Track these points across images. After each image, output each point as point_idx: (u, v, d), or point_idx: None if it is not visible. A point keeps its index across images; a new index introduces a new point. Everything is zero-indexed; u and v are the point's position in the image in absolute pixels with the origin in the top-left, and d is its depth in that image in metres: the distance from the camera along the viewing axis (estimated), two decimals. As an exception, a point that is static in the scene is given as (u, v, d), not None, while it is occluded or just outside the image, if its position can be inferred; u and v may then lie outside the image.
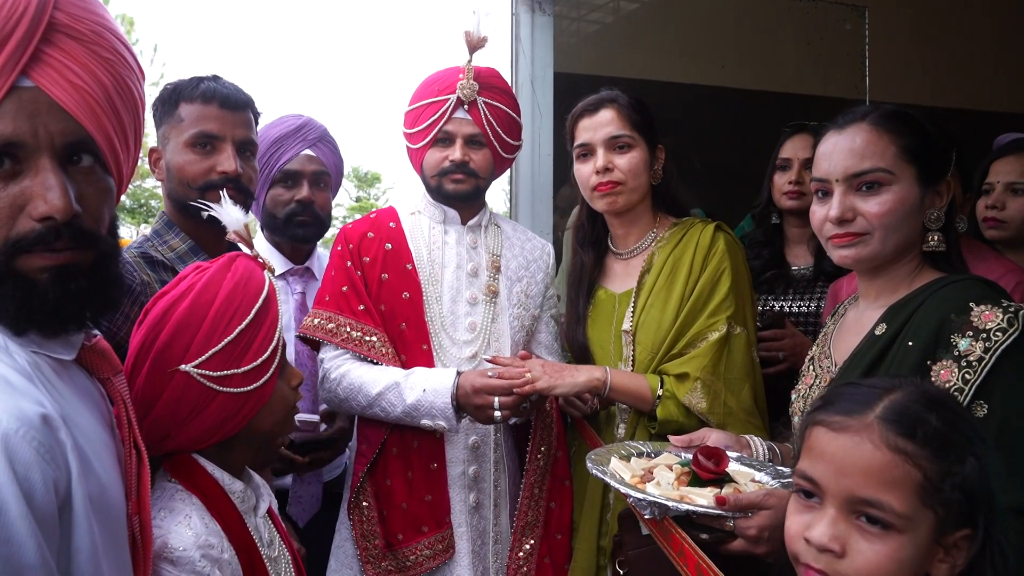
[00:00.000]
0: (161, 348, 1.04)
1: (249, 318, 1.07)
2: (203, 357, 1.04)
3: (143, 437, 0.92)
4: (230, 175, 1.49)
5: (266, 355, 1.08)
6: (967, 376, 1.03)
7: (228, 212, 1.15)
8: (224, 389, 1.06)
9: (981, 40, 3.82)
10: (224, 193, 1.20)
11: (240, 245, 1.16)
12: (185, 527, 1.02)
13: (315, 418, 1.71)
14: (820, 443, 0.84)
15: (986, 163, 2.06)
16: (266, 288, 1.11)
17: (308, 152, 1.90)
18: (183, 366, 1.02)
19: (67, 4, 0.77)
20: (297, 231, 1.88)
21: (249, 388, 1.07)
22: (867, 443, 0.80)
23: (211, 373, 1.04)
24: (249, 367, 1.07)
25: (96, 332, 0.87)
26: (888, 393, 0.83)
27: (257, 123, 1.63)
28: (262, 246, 1.93)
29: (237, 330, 1.06)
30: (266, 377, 1.08)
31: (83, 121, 0.77)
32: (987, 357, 1.03)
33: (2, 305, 0.75)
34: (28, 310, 0.75)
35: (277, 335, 1.11)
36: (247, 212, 1.58)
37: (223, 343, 1.05)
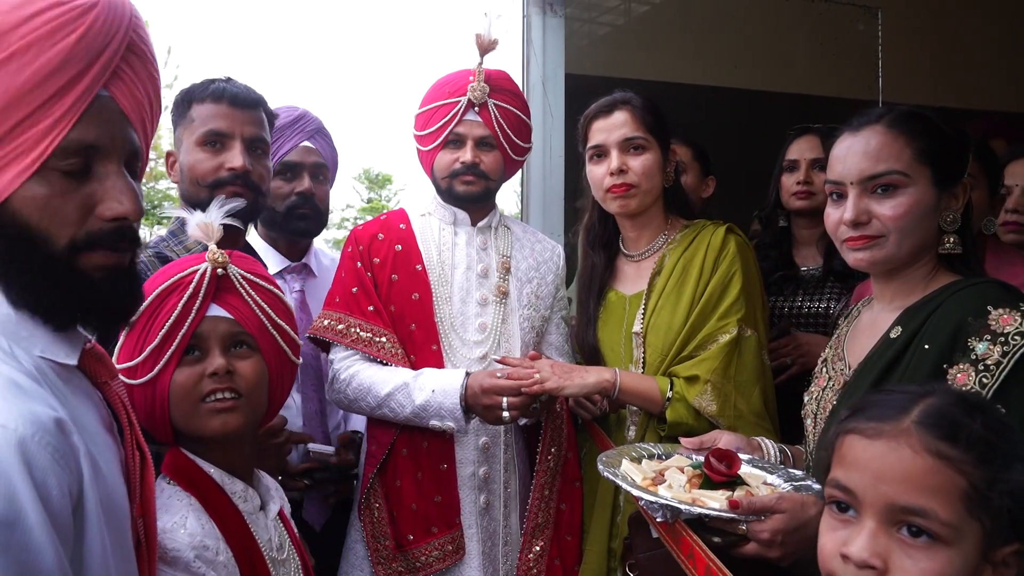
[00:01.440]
0: None
1: (143, 307, 1.06)
2: (116, 350, 1.08)
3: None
4: (238, 171, 1.49)
5: (155, 344, 1.07)
6: (984, 380, 1.02)
7: (196, 215, 1.16)
8: (131, 381, 1.07)
9: (994, 40, 3.79)
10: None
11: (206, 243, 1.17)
12: (180, 527, 1.02)
13: (330, 450, 1.69)
14: (854, 451, 0.79)
15: (1003, 163, 2.03)
16: (176, 278, 1.10)
17: (307, 144, 1.85)
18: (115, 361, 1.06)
19: (138, 25, 0.83)
20: (299, 224, 1.84)
21: (145, 379, 1.07)
22: (905, 448, 0.75)
23: (118, 366, 1.06)
24: (142, 357, 1.07)
25: (90, 338, 0.88)
26: (923, 398, 0.79)
27: (271, 125, 1.64)
28: (258, 244, 1.89)
29: (133, 318, 1.07)
30: (159, 366, 1.07)
31: (138, 131, 0.83)
32: (1005, 361, 1.01)
33: (64, 301, 0.77)
34: (88, 306, 0.79)
35: (171, 322, 1.07)
36: (259, 209, 1.60)
37: (124, 334, 1.09)
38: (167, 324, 1.07)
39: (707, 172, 2.34)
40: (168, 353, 1.07)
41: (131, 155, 0.82)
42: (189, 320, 1.08)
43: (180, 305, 1.08)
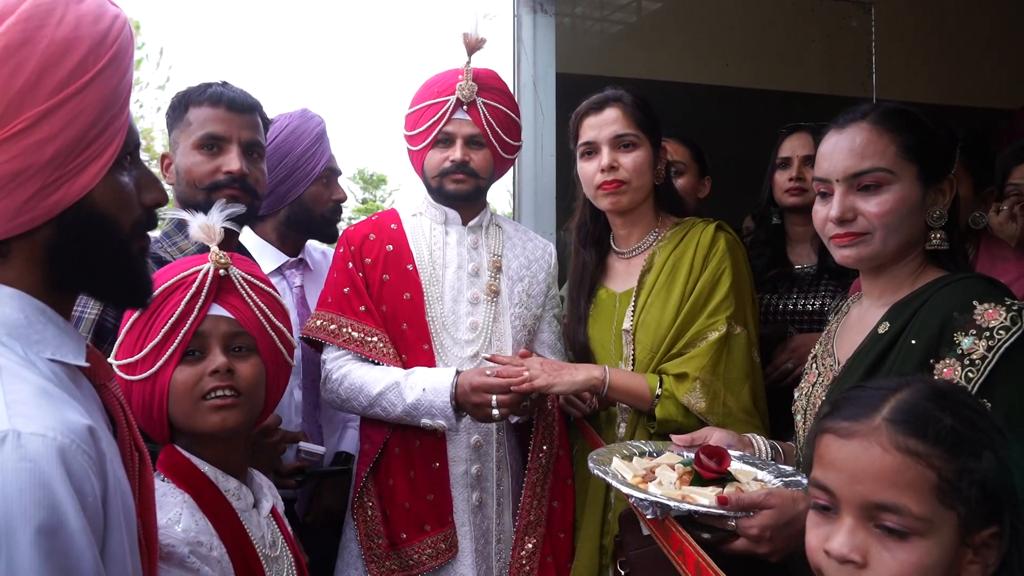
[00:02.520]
0: None
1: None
2: (115, 346, 1.10)
3: None
4: (235, 175, 1.51)
5: (156, 340, 1.09)
6: (970, 374, 1.03)
7: (198, 217, 1.18)
8: (128, 377, 1.09)
9: (989, 36, 3.79)
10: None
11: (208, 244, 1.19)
12: (174, 524, 1.03)
13: (320, 450, 1.70)
14: (830, 451, 0.82)
15: (1007, 165, 2.02)
16: (179, 276, 1.12)
17: (330, 151, 1.95)
18: (110, 359, 1.08)
19: None
20: (332, 230, 1.94)
21: (145, 375, 1.09)
22: (876, 447, 0.77)
23: (117, 362, 1.09)
24: (142, 353, 1.09)
25: (88, 342, 0.90)
26: (895, 393, 0.80)
27: (266, 128, 1.65)
28: (252, 241, 1.90)
29: (133, 317, 1.10)
30: (160, 362, 1.08)
31: None
32: (990, 355, 1.02)
33: (128, 283, 0.84)
34: (135, 287, 0.85)
35: (173, 320, 1.09)
36: (255, 212, 1.61)
37: (124, 331, 1.10)
38: (170, 321, 1.08)
39: (704, 172, 2.35)
40: (170, 351, 1.08)
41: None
42: (192, 318, 1.10)
43: (183, 303, 1.09)
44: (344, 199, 1.95)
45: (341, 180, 2.03)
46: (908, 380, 0.83)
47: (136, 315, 1.11)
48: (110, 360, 1.09)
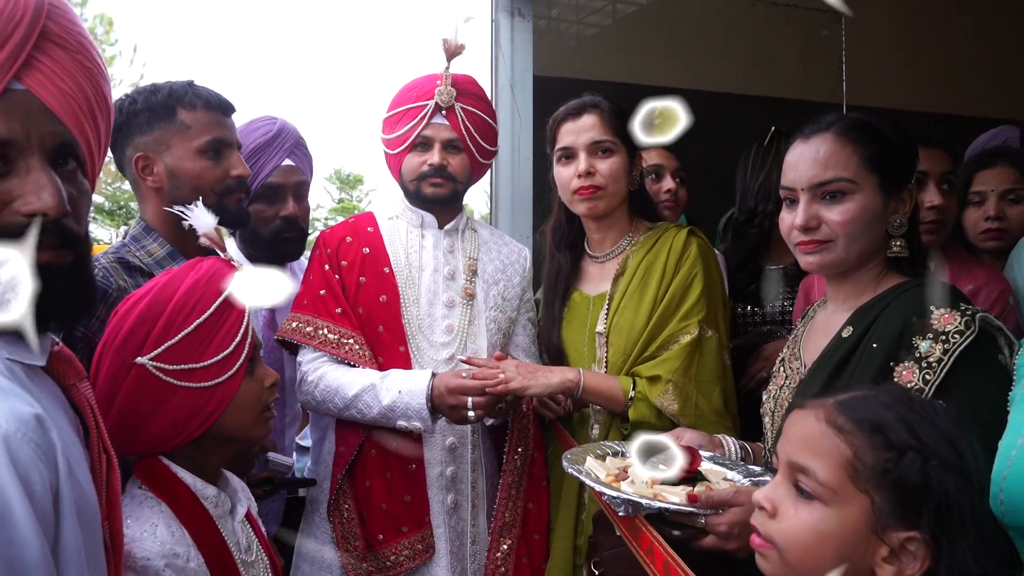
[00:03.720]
0: (121, 342, 1.05)
1: (208, 312, 1.08)
2: (159, 350, 1.05)
3: (108, 436, 0.92)
4: (244, 179, 1.53)
5: (228, 351, 1.08)
6: (927, 377, 1.07)
7: (199, 216, 1.16)
8: (183, 383, 1.07)
9: (957, 44, 3.89)
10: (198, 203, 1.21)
11: (216, 249, 1.18)
12: (150, 536, 1.02)
13: (289, 460, 1.70)
14: (788, 423, 0.91)
15: (969, 172, 2.06)
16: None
17: (287, 162, 1.81)
18: (139, 358, 1.04)
19: (56, 14, 0.81)
20: (284, 248, 1.83)
21: (210, 383, 1.08)
22: (811, 417, 0.86)
23: (167, 366, 1.05)
24: (210, 362, 1.08)
25: (58, 340, 0.87)
26: (868, 390, 0.87)
27: None
28: (235, 255, 1.87)
29: (195, 324, 1.07)
30: (229, 373, 1.09)
31: (69, 125, 0.80)
32: (946, 358, 1.06)
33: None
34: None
35: (242, 332, 1.10)
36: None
37: (179, 336, 1.06)
38: (240, 332, 1.09)
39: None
40: (239, 362, 1.09)
41: (58, 149, 0.79)
42: (251, 329, 1.12)
43: (247, 313, 1.11)
44: (294, 213, 1.79)
45: (316, 180, 1.96)
46: (900, 389, 0.90)
47: (200, 319, 1.07)
48: (141, 360, 1.04)
